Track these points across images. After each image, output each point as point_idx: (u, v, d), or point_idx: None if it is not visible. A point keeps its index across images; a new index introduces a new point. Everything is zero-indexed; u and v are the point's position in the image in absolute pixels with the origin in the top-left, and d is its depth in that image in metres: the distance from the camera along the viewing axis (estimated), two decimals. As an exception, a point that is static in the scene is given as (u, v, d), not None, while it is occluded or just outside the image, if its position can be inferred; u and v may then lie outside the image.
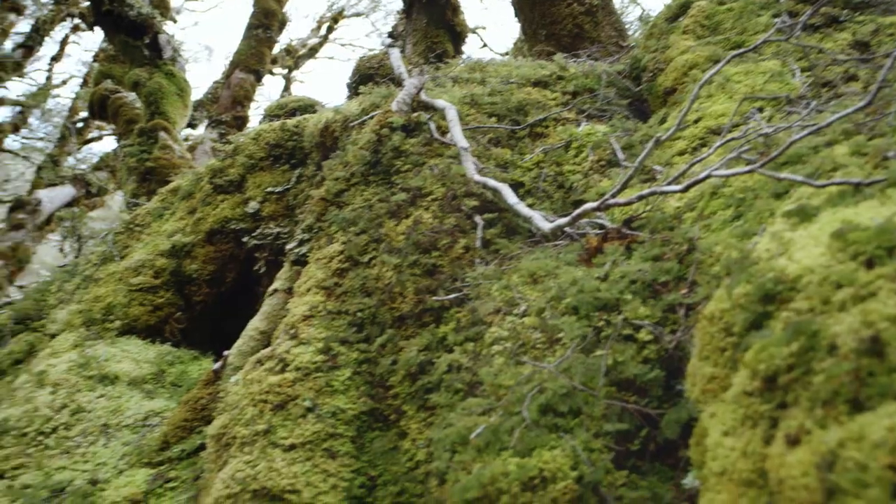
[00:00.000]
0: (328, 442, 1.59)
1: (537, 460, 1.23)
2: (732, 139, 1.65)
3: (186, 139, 8.59)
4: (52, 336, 3.10)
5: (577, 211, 1.72)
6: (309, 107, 4.30)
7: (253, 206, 2.73)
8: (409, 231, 1.91)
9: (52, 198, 9.81)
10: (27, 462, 2.20)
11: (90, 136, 13.75)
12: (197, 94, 9.25)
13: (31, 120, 15.56)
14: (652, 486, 1.21)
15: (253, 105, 9.72)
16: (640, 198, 1.61)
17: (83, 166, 11.24)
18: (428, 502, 1.50)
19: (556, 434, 1.28)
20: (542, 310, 1.58)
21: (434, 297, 1.75)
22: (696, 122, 2.07)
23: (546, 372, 1.39)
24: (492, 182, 1.98)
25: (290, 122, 3.11)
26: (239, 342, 2.10)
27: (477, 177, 2.02)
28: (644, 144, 2.20)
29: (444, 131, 2.33)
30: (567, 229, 1.85)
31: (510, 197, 1.93)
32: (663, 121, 2.36)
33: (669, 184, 1.61)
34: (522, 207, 1.90)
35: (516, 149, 2.42)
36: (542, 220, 1.83)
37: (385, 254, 1.85)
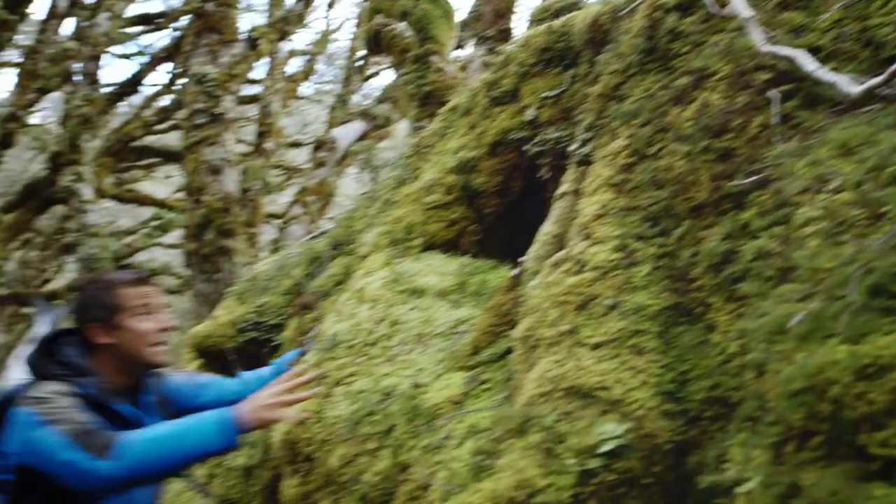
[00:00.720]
0: (634, 339, 1.58)
1: (871, 347, 1.12)
2: None
3: (457, 60, 8.81)
4: (364, 257, 3.40)
5: (893, 67, 1.51)
6: (573, 5, 4.17)
7: (530, 113, 2.73)
8: (696, 116, 1.79)
9: (346, 134, 10.64)
10: (357, 370, 2.46)
11: (370, 72, 14.64)
12: (460, 15, 9.40)
13: (318, 66, 16.88)
14: None
15: (514, 17, 9.68)
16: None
17: (368, 101, 12.00)
18: (745, 395, 1.44)
19: (890, 318, 1.16)
20: (859, 183, 1.41)
21: (731, 183, 1.64)
22: None
23: (872, 250, 1.25)
24: (784, 50, 1.80)
25: (557, 23, 3.04)
26: (533, 247, 2.14)
27: (766, 47, 1.84)
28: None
29: (722, 4, 2.14)
30: (881, 91, 1.63)
31: (808, 63, 1.73)
32: None
33: None
34: (824, 73, 1.71)
35: (808, 9, 2.16)
36: (849, 84, 1.63)
37: (673, 143, 1.76)
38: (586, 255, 1.74)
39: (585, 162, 2.11)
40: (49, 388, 2.24)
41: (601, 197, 1.86)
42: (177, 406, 2.66)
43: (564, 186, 2.20)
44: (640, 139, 1.85)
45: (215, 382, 2.87)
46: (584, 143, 2.10)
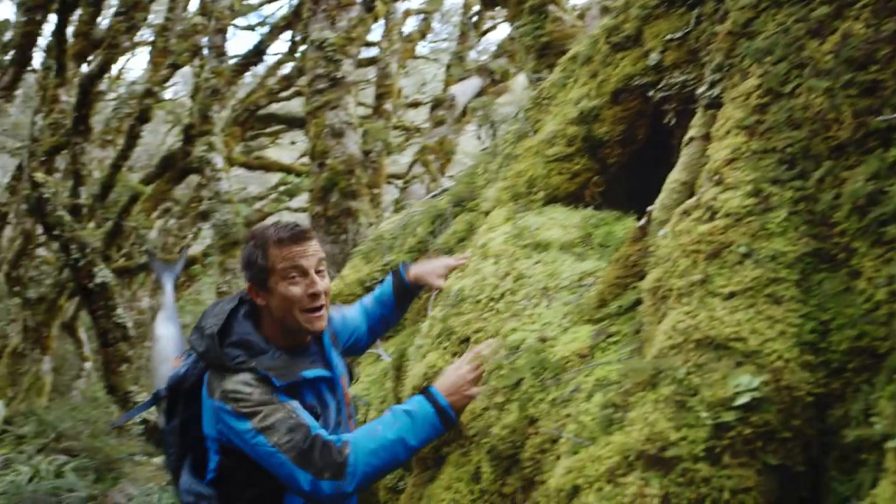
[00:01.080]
0: (770, 287, 1.50)
1: None
2: None
3: (574, 8, 8.59)
4: (486, 213, 3.40)
5: None
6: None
7: (654, 57, 2.63)
8: (836, 48, 1.67)
9: (463, 91, 10.62)
10: (484, 326, 2.47)
11: (485, 27, 14.51)
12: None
13: (433, 24, 16.88)
14: None
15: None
16: None
17: (484, 57, 11.92)
18: (894, 345, 1.36)
19: None
20: None
21: (878, 118, 1.52)
22: None
23: None
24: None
25: (679, -40, 2.90)
26: (661, 196, 2.07)
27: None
28: None
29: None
30: None
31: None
32: None
33: None
34: None
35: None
36: None
37: (811, 79, 1.65)
38: (718, 201, 1.67)
39: (715, 105, 2.02)
40: (236, 380, 2.22)
41: (733, 140, 1.77)
42: (342, 344, 2.72)
43: (692, 131, 2.11)
44: (774, 77, 1.75)
45: (358, 315, 2.93)
46: (713, 84, 2.00)
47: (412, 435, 2.13)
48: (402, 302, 2.99)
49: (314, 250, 2.39)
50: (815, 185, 1.58)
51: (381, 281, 3.09)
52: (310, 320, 2.34)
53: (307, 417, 2.20)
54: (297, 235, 2.36)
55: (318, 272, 2.38)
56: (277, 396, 2.20)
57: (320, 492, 2.06)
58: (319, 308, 2.36)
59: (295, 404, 2.22)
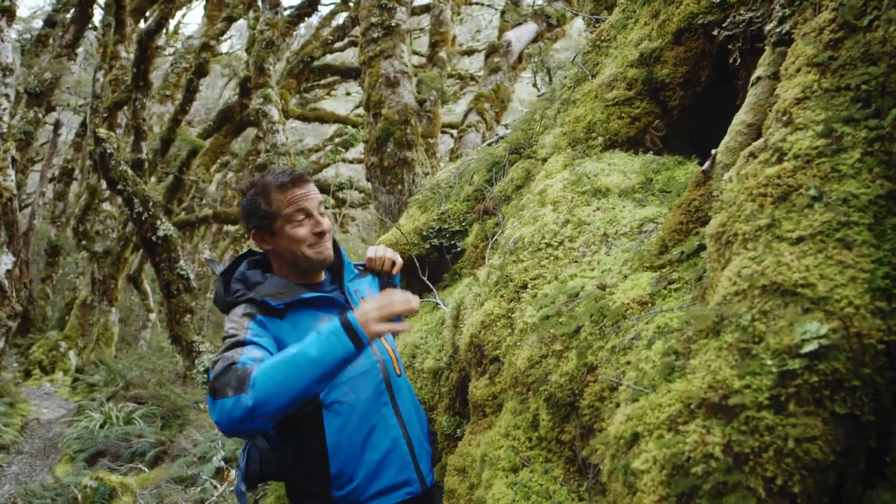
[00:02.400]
0: (841, 231, 1.44)
1: None
2: None
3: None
4: (544, 160, 3.35)
5: None
6: None
7: (718, -6, 2.52)
8: (918, -22, 1.57)
9: (519, 37, 10.43)
10: (542, 272, 2.45)
11: (541, -31, 14.16)
12: None
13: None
14: None
15: None
16: None
17: (540, 1, 11.65)
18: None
19: None
20: None
21: (962, 51, 1.44)
22: None
23: None
24: None
25: None
26: (726, 139, 2.00)
27: None
28: None
29: None
30: None
31: None
32: None
33: None
34: None
35: None
36: None
37: (891, 10, 1.56)
38: (787, 142, 1.60)
39: (784, 42, 1.93)
40: (233, 314, 2.38)
41: (803, 79, 1.69)
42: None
43: (759, 70, 2.02)
44: (849, 10, 1.65)
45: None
46: (783, 20, 1.91)
47: (314, 347, 2.10)
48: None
49: (315, 193, 2.51)
50: (891, 123, 1.50)
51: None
52: (317, 254, 2.48)
53: (260, 352, 2.23)
54: (298, 179, 2.46)
55: (321, 214, 2.51)
56: (253, 323, 2.31)
57: (225, 414, 2.05)
58: (323, 243, 2.49)
59: (264, 341, 2.28)
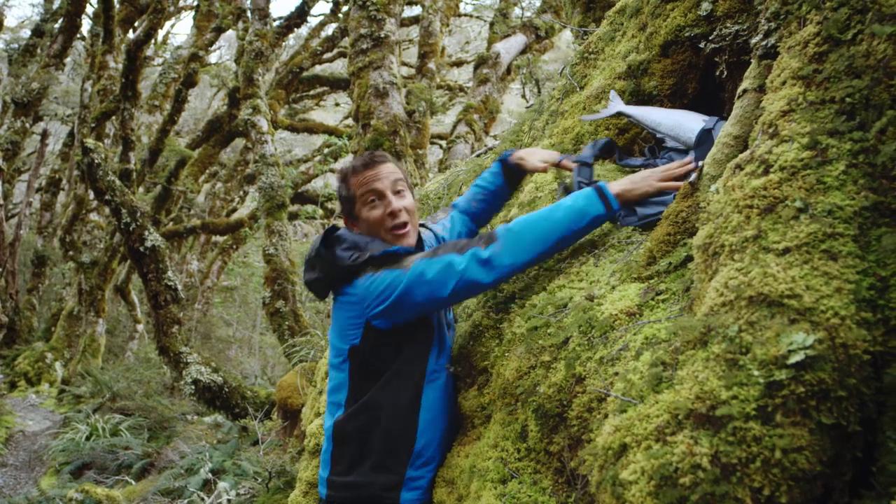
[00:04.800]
0: (826, 243, 1.46)
1: None
2: None
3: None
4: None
5: None
6: None
7: (705, 7, 2.54)
8: (901, -8, 1.59)
9: (508, 48, 10.49)
10: (531, 283, 2.46)
11: (530, -18, 14.24)
12: None
13: (477, -20, 16.68)
14: None
15: None
16: None
17: (529, 13, 11.72)
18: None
19: None
20: None
21: (945, 65, 1.45)
22: None
23: None
24: None
25: None
26: (712, 150, 2.02)
27: None
28: None
29: None
30: None
31: None
32: None
33: None
34: None
35: None
36: None
37: (874, 24, 1.58)
38: (773, 154, 1.61)
39: (769, 55, 1.94)
40: (362, 280, 2.32)
41: (788, 91, 1.70)
42: None
43: (746, 83, 2.04)
44: (833, 23, 1.67)
45: (456, 223, 2.99)
46: (768, 33, 1.92)
47: (563, 205, 2.27)
48: (511, 183, 3.09)
49: (388, 172, 2.50)
50: (875, 136, 1.52)
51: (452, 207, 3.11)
52: (396, 237, 2.45)
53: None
54: (368, 162, 2.49)
55: (396, 192, 2.48)
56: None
57: (479, 260, 2.18)
58: (403, 225, 2.47)
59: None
